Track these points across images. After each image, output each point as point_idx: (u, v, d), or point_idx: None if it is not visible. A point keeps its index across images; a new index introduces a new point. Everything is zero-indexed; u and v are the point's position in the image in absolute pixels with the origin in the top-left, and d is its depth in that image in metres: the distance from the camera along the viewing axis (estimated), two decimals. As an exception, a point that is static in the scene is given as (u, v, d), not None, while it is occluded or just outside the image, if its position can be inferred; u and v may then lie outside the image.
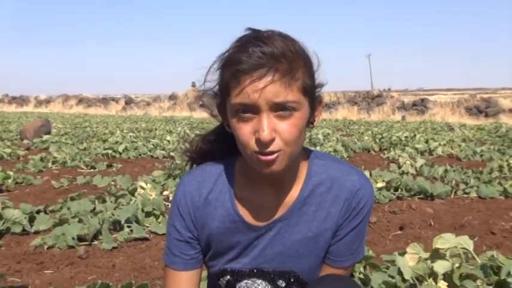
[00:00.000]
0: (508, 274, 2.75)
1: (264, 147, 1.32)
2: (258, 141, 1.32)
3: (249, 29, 1.39)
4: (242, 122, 1.34)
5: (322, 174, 1.52)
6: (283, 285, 1.57)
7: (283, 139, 1.33)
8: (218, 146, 1.65)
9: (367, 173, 6.50)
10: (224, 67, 1.37)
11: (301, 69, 1.34)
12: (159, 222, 4.63)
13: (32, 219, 4.61)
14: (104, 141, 12.68)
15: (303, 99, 1.35)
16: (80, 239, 4.15)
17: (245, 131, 1.34)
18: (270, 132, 1.30)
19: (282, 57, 1.30)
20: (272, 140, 1.32)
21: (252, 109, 1.31)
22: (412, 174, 7.44)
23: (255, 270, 1.57)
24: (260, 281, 1.58)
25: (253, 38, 1.34)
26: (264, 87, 1.28)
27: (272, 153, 1.33)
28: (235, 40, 1.38)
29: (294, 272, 1.55)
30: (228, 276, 1.60)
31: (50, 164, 8.70)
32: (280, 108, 1.31)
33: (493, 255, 2.86)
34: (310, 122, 1.45)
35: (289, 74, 1.31)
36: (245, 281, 1.59)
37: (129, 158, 10.02)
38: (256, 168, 1.38)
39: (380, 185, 6.00)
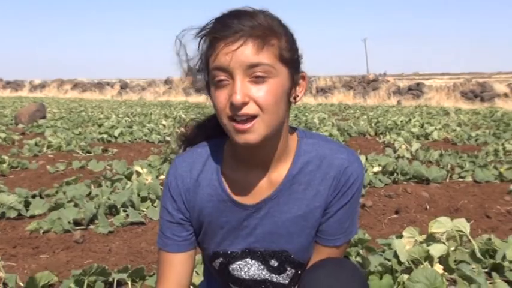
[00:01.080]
0: (504, 257, 2.77)
1: (237, 110, 1.32)
2: (231, 105, 1.33)
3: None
4: (219, 89, 1.36)
5: (311, 152, 1.52)
6: (276, 264, 1.58)
7: (258, 104, 1.33)
8: (211, 130, 1.64)
9: (363, 158, 6.51)
10: (202, 39, 1.40)
11: (277, 38, 1.36)
12: (155, 207, 4.63)
13: (27, 204, 4.60)
14: (99, 125, 12.67)
15: (280, 66, 1.36)
16: (76, 223, 4.15)
17: (221, 98, 1.35)
18: (242, 96, 1.31)
19: (258, 26, 1.33)
20: (245, 104, 1.32)
21: (227, 73, 1.33)
22: (407, 158, 7.45)
23: (246, 251, 1.58)
24: (253, 261, 1.59)
25: (230, 12, 1.38)
26: (237, 49, 1.30)
27: (247, 120, 1.33)
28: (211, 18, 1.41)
29: (285, 251, 1.55)
30: (221, 259, 1.61)
31: (45, 149, 8.69)
32: (254, 73, 1.32)
33: (489, 239, 2.87)
34: (293, 98, 1.45)
35: (264, 39, 1.33)
36: (238, 262, 1.60)
37: (124, 142, 10.00)
38: (233, 137, 1.38)
39: (376, 169, 6.01)
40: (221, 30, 1.33)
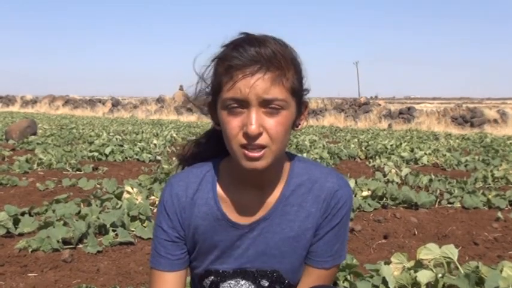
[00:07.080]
0: (494, 286, 2.77)
1: (251, 140, 1.37)
2: (246, 135, 1.37)
3: (243, 33, 1.44)
4: (231, 115, 1.39)
5: (304, 175, 1.57)
6: (266, 284, 1.60)
7: (269, 135, 1.38)
8: (209, 148, 1.69)
9: (352, 181, 6.53)
10: (218, 64, 1.43)
11: (291, 71, 1.40)
12: (145, 227, 4.62)
13: (16, 222, 4.58)
14: (90, 143, 12.63)
15: (291, 99, 1.41)
16: (65, 242, 4.14)
17: (234, 124, 1.38)
18: (257, 126, 1.35)
19: (274, 57, 1.37)
20: (259, 134, 1.37)
21: (242, 103, 1.36)
22: (397, 183, 7.48)
23: (238, 271, 1.60)
24: (244, 281, 1.60)
25: (248, 39, 1.41)
26: (255, 83, 1.34)
27: (259, 149, 1.38)
28: (229, 41, 1.44)
29: (276, 271, 1.58)
30: (212, 277, 1.62)
31: (35, 166, 8.66)
32: (268, 105, 1.37)
33: (477, 266, 2.88)
34: (295, 125, 1.50)
35: (280, 73, 1.37)
36: (229, 281, 1.61)
37: (115, 160, 9.99)
38: (241, 163, 1.41)
39: (365, 193, 6.02)
40: (237, 59, 1.36)
